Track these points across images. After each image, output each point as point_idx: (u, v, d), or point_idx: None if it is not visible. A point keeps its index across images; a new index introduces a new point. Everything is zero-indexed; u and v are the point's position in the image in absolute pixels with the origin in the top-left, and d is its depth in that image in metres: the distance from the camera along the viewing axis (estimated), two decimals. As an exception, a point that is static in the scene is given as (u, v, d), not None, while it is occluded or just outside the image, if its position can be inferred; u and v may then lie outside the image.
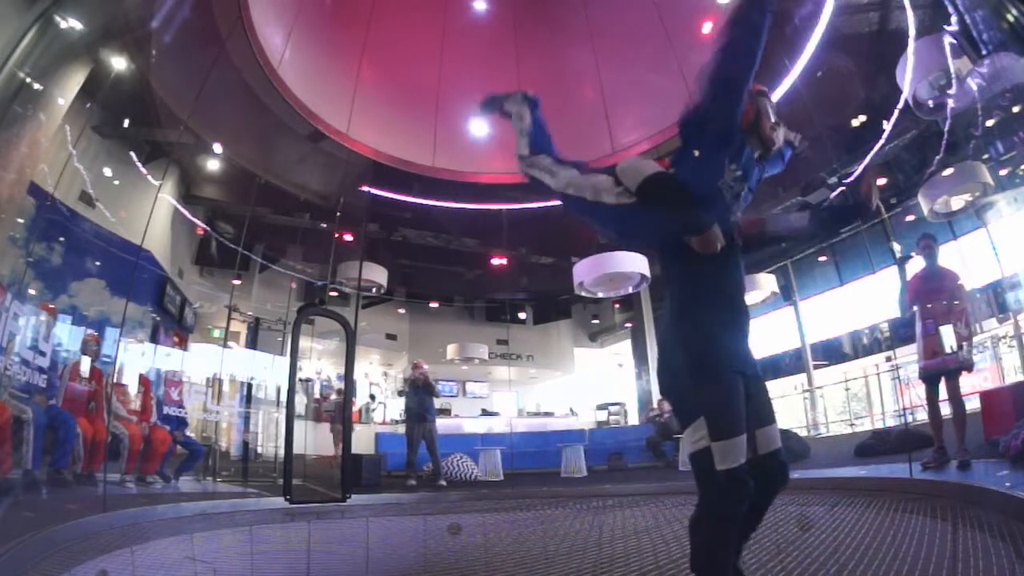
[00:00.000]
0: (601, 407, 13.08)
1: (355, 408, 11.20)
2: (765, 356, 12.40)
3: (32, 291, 5.30)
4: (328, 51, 8.31)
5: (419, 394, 7.04)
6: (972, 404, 4.49)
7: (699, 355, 1.50)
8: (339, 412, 10.04)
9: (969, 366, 3.91)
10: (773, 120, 1.71)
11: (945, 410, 4.06)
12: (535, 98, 1.97)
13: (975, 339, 4.14)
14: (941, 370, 3.93)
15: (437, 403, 7.60)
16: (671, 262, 1.66)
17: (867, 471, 4.60)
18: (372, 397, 11.75)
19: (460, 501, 5.55)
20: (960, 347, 3.86)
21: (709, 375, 1.48)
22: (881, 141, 7.54)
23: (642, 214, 1.57)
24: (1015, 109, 5.46)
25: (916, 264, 4.35)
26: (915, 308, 4.19)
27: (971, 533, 2.33)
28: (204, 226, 9.17)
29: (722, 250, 1.52)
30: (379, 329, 13.07)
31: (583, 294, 9.37)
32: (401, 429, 10.15)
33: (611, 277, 8.48)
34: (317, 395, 11.48)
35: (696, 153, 1.57)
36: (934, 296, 4.10)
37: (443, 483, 6.65)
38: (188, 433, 5.88)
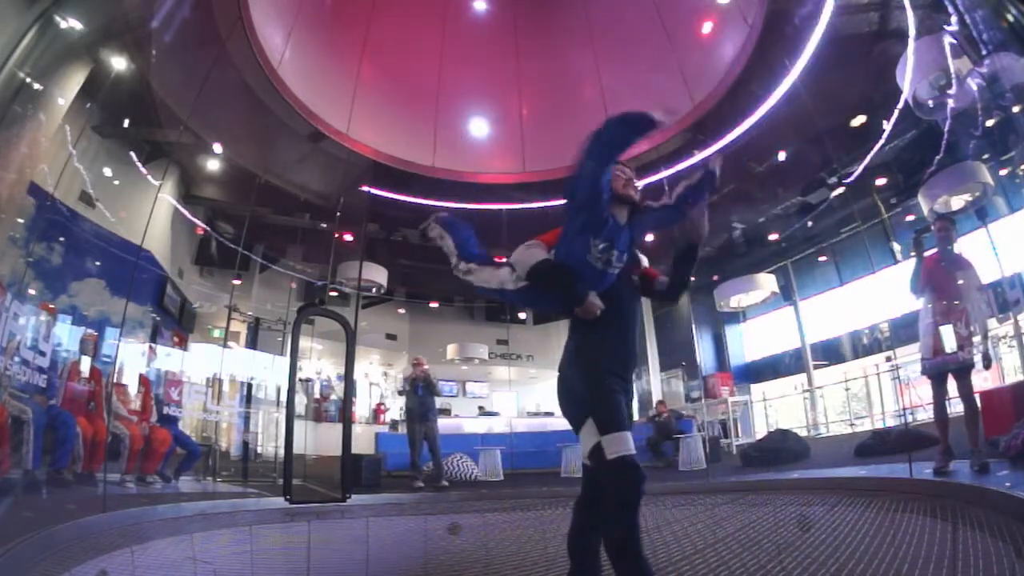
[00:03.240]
0: (601, 407, 13.04)
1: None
2: (765, 356, 12.41)
3: (32, 291, 5.30)
4: (328, 51, 8.32)
5: (420, 393, 6.87)
6: (972, 404, 4.45)
7: (588, 369, 1.85)
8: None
9: (987, 362, 3.77)
10: (627, 177, 1.96)
11: (952, 409, 3.98)
12: (448, 218, 2.24)
13: (984, 335, 3.96)
14: (949, 367, 3.79)
15: (438, 403, 7.51)
16: (569, 314, 1.98)
17: (867, 471, 4.59)
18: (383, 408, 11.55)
19: (460, 501, 5.55)
20: (965, 344, 3.76)
21: (595, 382, 1.81)
22: (881, 141, 7.54)
23: (536, 294, 1.96)
24: (1015, 109, 5.46)
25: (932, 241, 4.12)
26: (924, 297, 3.98)
27: (971, 533, 2.33)
28: (204, 226, 9.17)
29: (613, 298, 1.87)
30: (379, 329, 13.05)
31: (583, 294, 9.33)
32: (401, 429, 10.17)
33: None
34: (317, 395, 11.48)
35: (570, 233, 1.88)
36: (946, 287, 3.92)
37: (445, 483, 6.59)
38: (186, 432, 5.87)
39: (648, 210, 2.02)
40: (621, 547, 1.66)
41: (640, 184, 2.02)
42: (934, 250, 4.09)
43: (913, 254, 4.19)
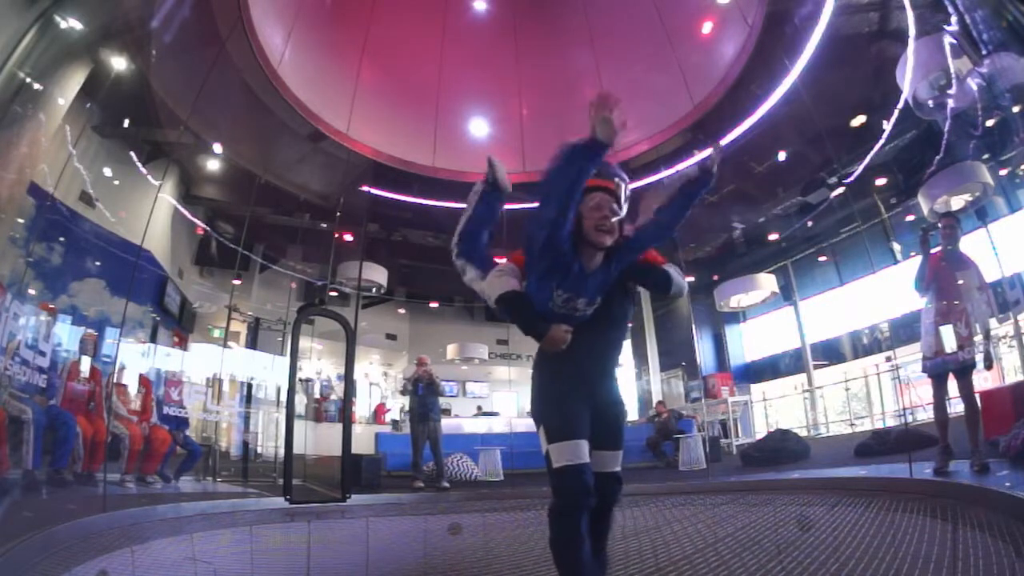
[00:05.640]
0: (601, 407, 13.02)
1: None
2: (765, 356, 12.41)
3: (32, 291, 5.30)
4: (328, 51, 8.32)
5: (423, 393, 6.76)
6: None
7: (542, 373, 1.89)
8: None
9: (988, 362, 3.75)
10: (602, 213, 1.72)
11: (954, 409, 3.97)
12: (486, 195, 2.09)
13: (985, 334, 3.95)
14: (950, 366, 3.77)
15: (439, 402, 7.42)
16: None
17: (867, 471, 4.59)
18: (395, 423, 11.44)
19: (460, 501, 5.54)
20: (966, 344, 3.76)
21: (547, 388, 1.87)
22: (881, 141, 7.54)
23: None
24: (1015, 109, 5.46)
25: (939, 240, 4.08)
26: (928, 296, 3.96)
27: (971, 533, 2.32)
28: (204, 226, 9.17)
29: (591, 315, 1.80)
30: (379, 329, 13.05)
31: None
32: (405, 430, 10.15)
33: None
34: (317, 395, 11.47)
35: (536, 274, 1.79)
36: (948, 285, 3.91)
37: (446, 484, 6.56)
38: (187, 433, 5.87)
39: (627, 243, 1.81)
40: (558, 553, 1.68)
41: (623, 212, 1.78)
42: (939, 248, 4.08)
43: (914, 254, 4.18)
